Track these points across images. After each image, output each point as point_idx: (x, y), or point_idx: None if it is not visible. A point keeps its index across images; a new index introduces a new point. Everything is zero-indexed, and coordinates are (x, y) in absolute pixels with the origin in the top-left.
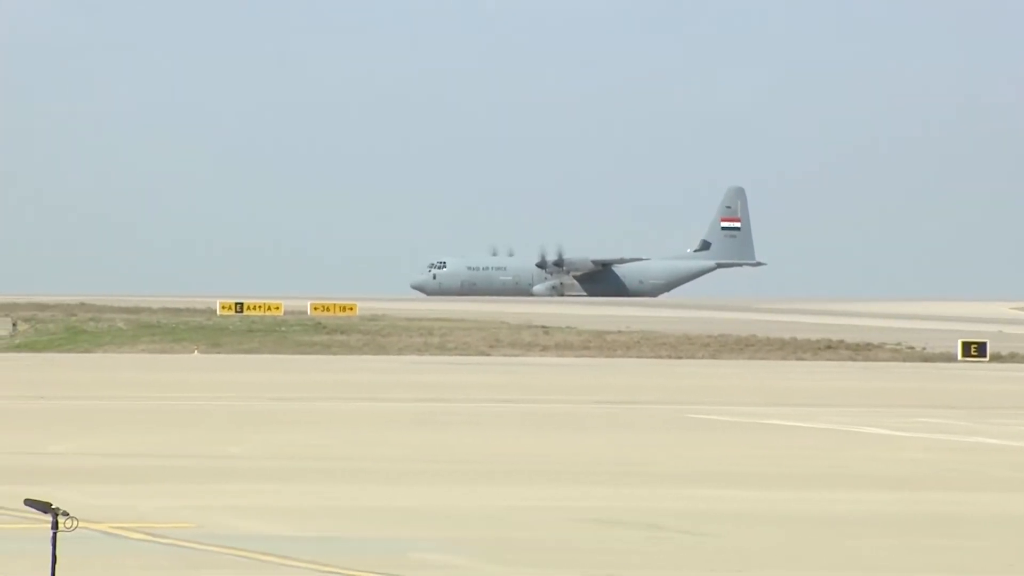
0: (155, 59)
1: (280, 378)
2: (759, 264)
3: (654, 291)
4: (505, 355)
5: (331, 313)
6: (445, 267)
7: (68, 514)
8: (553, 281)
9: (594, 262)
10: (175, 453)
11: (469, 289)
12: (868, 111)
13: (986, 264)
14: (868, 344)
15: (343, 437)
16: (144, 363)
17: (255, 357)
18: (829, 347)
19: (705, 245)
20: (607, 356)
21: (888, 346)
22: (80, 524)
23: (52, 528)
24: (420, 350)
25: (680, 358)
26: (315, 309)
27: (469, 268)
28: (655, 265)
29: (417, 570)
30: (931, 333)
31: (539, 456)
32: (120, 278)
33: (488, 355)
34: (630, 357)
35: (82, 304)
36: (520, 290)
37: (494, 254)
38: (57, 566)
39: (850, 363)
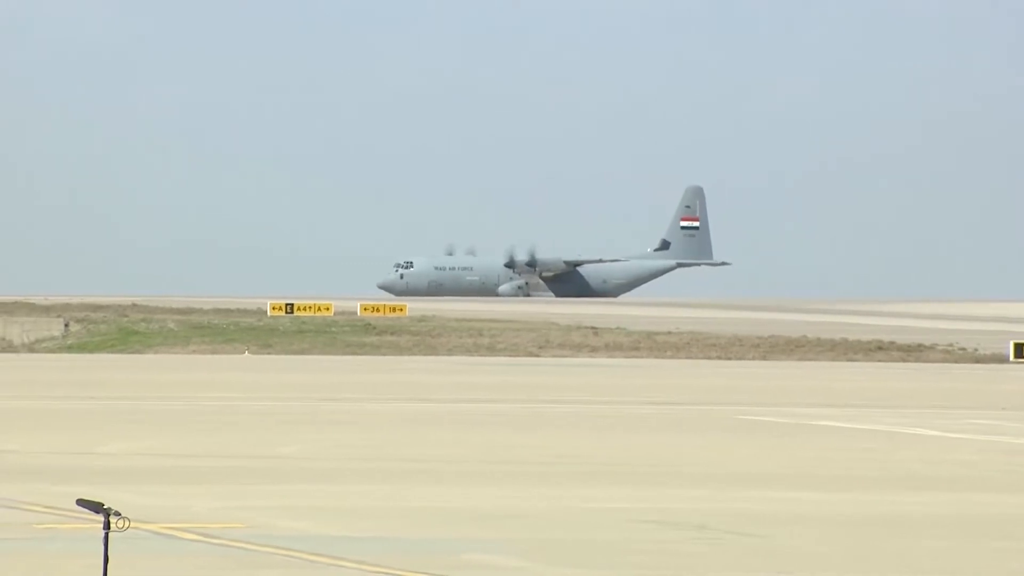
0: (182, 59)
1: (330, 379)
2: (723, 264)
3: (616, 291)
4: (555, 356)
5: (381, 314)
6: (412, 267)
7: (120, 514)
8: (519, 281)
9: (566, 263)
10: (226, 454)
11: (436, 289)
12: (829, 111)
13: (954, 264)
14: (919, 345)
15: (393, 438)
16: (195, 364)
17: (305, 358)
18: (880, 348)
19: (665, 245)
20: (657, 357)
21: (939, 347)
22: (132, 524)
23: (104, 528)
24: (470, 351)
25: (730, 359)
26: (365, 310)
27: (436, 268)
28: (617, 265)
29: (467, 571)
30: (982, 334)
31: (588, 457)
32: (172, 280)
33: (538, 356)
34: (680, 358)
35: (134, 305)
36: (486, 290)
37: (450, 253)
38: (109, 566)
39: (901, 364)
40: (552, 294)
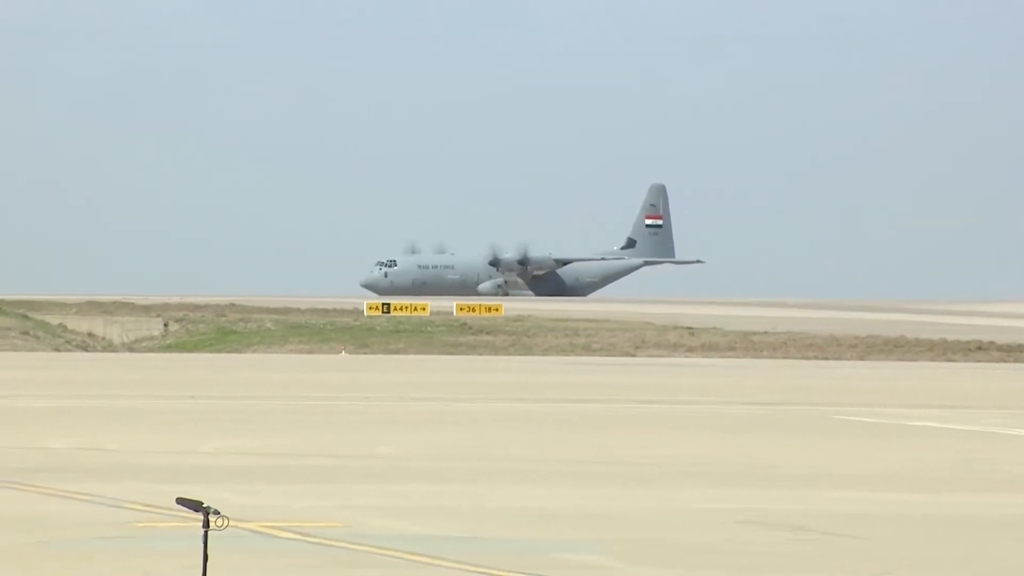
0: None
1: (427, 378)
2: (698, 262)
3: (588, 289)
4: (650, 356)
5: (476, 314)
6: (396, 265)
7: (219, 513)
8: (498, 279)
9: (555, 260)
10: (324, 453)
11: (420, 288)
12: (791, 109)
13: (939, 264)
14: (1020, 345)
15: (489, 437)
16: (292, 363)
17: (402, 358)
18: (980, 348)
19: (631, 243)
20: (753, 357)
21: None
22: (231, 523)
23: (203, 527)
24: (565, 351)
25: (827, 359)
26: (460, 310)
27: (420, 267)
28: (589, 263)
29: (561, 570)
30: None
31: (683, 457)
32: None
33: (633, 356)
34: (776, 358)
35: (232, 305)
36: (466, 288)
37: (412, 251)
38: (208, 564)
39: (1001, 364)
40: (531, 292)
